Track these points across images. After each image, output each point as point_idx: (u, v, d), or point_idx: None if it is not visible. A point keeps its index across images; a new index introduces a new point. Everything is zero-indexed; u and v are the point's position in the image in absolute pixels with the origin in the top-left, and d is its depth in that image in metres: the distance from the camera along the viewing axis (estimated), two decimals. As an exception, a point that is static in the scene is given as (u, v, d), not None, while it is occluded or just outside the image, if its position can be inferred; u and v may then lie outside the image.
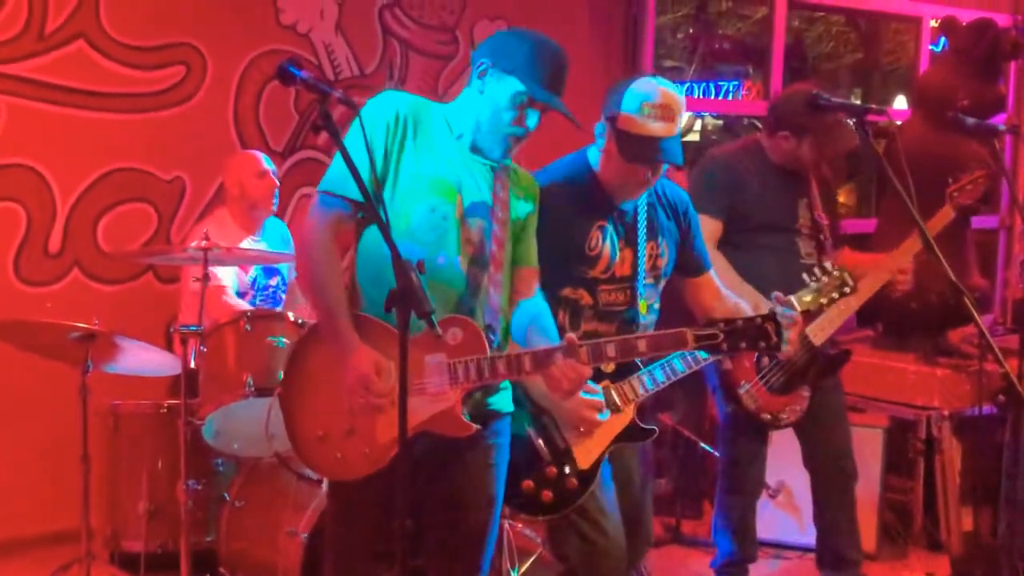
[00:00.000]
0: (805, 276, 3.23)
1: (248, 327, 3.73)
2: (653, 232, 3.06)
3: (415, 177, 2.54)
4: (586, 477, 2.92)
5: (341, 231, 2.55)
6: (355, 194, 2.36)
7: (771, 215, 3.81)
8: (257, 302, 4.41)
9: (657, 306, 3.15)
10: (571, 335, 2.46)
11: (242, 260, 4.15)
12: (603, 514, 2.99)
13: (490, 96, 2.56)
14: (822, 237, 3.85)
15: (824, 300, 3.21)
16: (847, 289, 3.21)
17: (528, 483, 2.91)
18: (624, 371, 2.97)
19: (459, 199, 2.56)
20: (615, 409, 2.93)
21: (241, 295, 4.37)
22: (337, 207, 2.52)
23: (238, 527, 3.87)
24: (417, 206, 2.52)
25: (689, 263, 3.20)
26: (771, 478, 4.49)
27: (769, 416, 3.80)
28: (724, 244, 3.73)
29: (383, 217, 2.35)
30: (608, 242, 2.97)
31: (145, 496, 3.93)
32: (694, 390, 5.06)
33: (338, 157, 2.50)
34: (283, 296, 4.55)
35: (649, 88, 2.85)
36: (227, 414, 3.78)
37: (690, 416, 5.22)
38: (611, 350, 2.47)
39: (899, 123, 5.75)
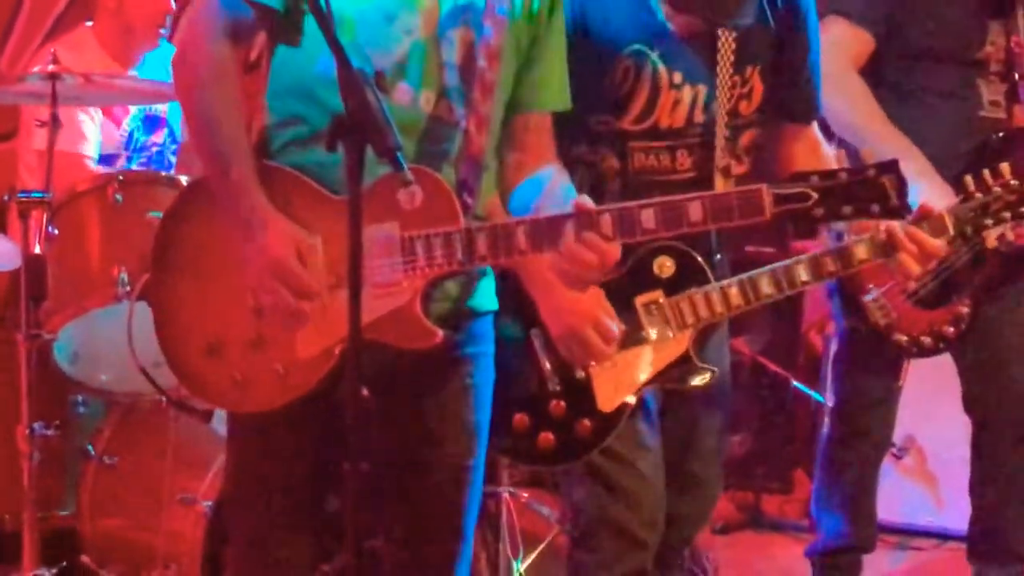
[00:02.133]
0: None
1: (119, 197, 3.71)
2: (745, 56, 2.97)
3: None
4: (605, 424, 2.95)
5: (240, 46, 2.52)
6: None
7: (945, 36, 3.71)
8: (134, 166, 4.39)
9: (742, 171, 3.06)
10: (584, 197, 2.44)
11: (111, 97, 4.10)
12: (640, 449, 3.03)
13: None
14: (1017, 76, 3.74)
15: (988, 221, 3.06)
16: None
17: (521, 417, 2.94)
18: (689, 277, 2.97)
19: (431, 3, 2.52)
20: (662, 335, 2.96)
21: (110, 160, 4.35)
22: (236, 10, 2.48)
23: (109, 495, 3.89)
24: (363, 8, 2.47)
25: (793, 100, 3.11)
26: (896, 433, 4.36)
27: (906, 338, 3.73)
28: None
29: (324, 5, 2.24)
30: (648, 78, 2.93)
31: (-31, 449, 3.90)
32: (782, 302, 5.04)
33: None
34: (172, 159, 4.54)
35: None
36: (91, 328, 3.77)
37: (777, 342, 5.21)
38: (648, 218, 2.44)
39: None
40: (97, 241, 3.73)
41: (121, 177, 3.74)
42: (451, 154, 2.56)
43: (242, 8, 2.46)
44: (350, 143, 2.14)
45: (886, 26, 3.66)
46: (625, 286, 2.91)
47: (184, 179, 3.78)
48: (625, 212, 2.43)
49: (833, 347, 4.08)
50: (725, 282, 2.95)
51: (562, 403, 2.93)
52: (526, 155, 2.68)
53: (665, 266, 2.95)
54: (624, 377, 2.95)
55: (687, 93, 2.95)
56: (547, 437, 2.93)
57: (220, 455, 3.66)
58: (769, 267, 2.96)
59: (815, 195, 2.42)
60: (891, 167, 2.44)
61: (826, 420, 4.13)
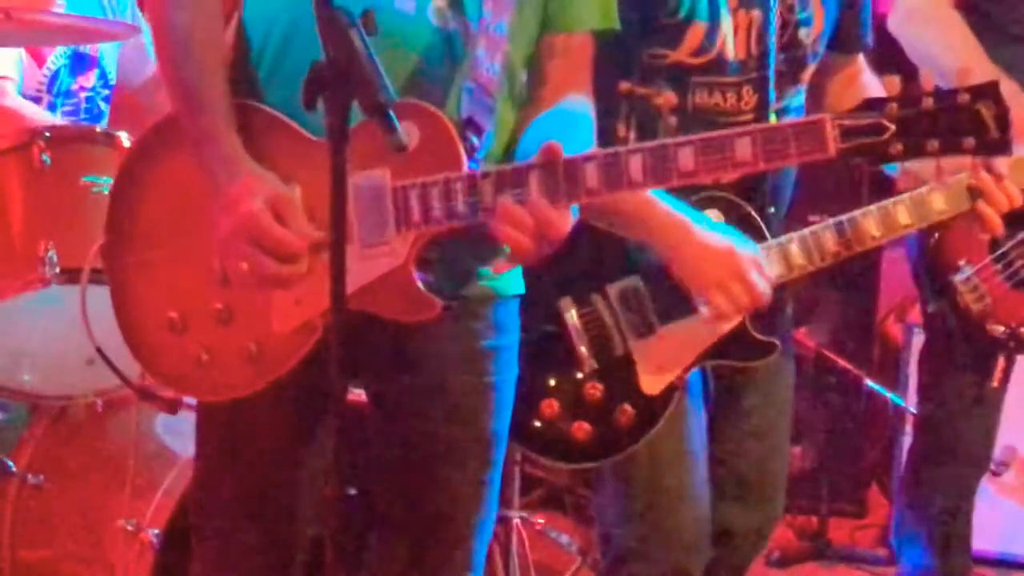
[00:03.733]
0: None
1: (47, 158, 3.69)
2: None
3: None
4: (650, 410, 2.99)
5: None
6: None
7: None
8: (58, 115, 4.38)
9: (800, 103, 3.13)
10: (553, 142, 2.41)
11: (34, 36, 4.08)
12: (682, 456, 3.08)
13: None
14: None
15: None
16: None
17: (550, 403, 2.99)
18: (740, 233, 2.99)
19: None
20: None
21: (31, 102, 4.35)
22: None
23: (34, 521, 3.88)
24: None
25: (843, 30, 3.21)
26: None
27: (1003, 329, 3.72)
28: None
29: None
30: (705, 4, 2.98)
31: None
32: (853, 283, 5.09)
33: None
34: (104, 107, 4.54)
35: None
36: (11, 317, 3.77)
37: (846, 332, 5.22)
38: (686, 158, 2.39)
39: None
40: (19, 211, 3.70)
41: (48, 134, 3.70)
42: (456, 83, 2.57)
43: None
44: (331, 97, 2.15)
45: None
46: None
47: (124, 136, 3.75)
48: (658, 151, 2.40)
49: (918, 339, 4.10)
50: (784, 238, 2.97)
51: (599, 386, 2.98)
52: (545, 89, 2.69)
53: (712, 221, 2.95)
54: (670, 354, 2.99)
55: (742, 19, 3.00)
56: (582, 427, 3.00)
57: (170, 472, 3.70)
58: (834, 219, 2.98)
59: (892, 127, 2.36)
60: (989, 90, 2.37)
61: (909, 429, 4.14)
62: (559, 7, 2.67)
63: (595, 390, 2.98)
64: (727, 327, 2.99)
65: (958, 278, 3.69)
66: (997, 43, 3.68)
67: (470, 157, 2.47)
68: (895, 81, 3.60)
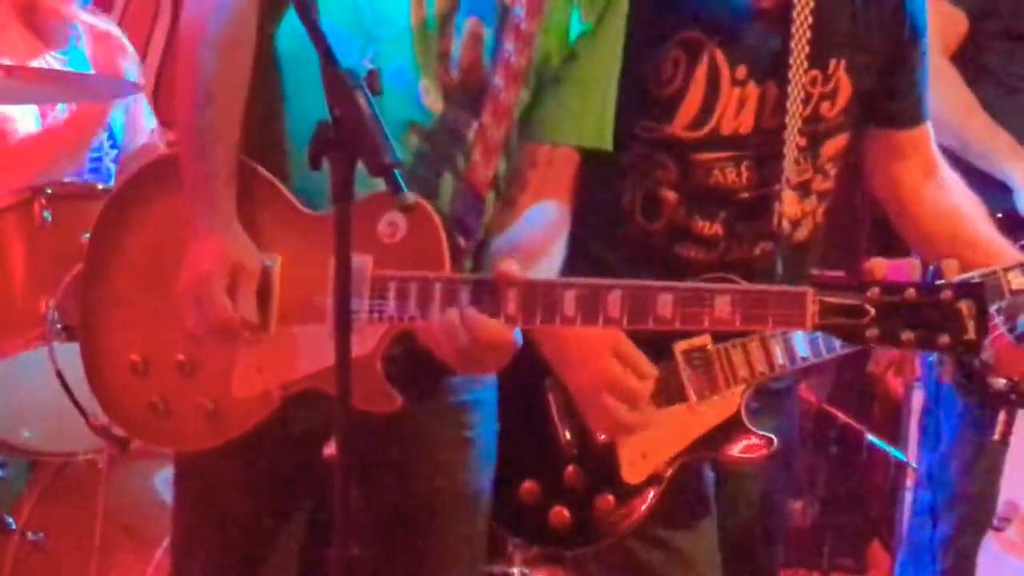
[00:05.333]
0: None
1: (48, 214, 3.75)
2: (827, 47, 2.95)
3: None
4: (631, 501, 2.93)
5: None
6: None
7: None
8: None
9: (827, 187, 3.05)
10: (506, 256, 2.44)
11: (36, 93, 4.10)
12: (691, 534, 3.03)
13: None
14: None
15: None
16: None
17: (530, 486, 2.93)
18: None
19: None
20: (706, 392, 2.93)
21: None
22: None
23: None
24: None
25: (895, 102, 3.12)
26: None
27: (1005, 382, 3.65)
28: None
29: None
30: (704, 73, 2.91)
31: None
32: None
33: None
34: (112, 167, 4.60)
35: None
36: (12, 374, 3.83)
37: (846, 386, 5.30)
38: (665, 304, 2.40)
39: None
40: (21, 269, 3.75)
41: (49, 190, 3.75)
42: (448, 179, 2.59)
43: None
44: (336, 158, 2.16)
45: (981, 1, 3.71)
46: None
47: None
48: (639, 292, 2.42)
49: (918, 393, 4.10)
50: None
51: (580, 471, 2.92)
52: (523, 196, 2.69)
53: None
54: (656, 442, 2.91)
55: (753, 91, 2.94)
56: (560, 513, 2.91)
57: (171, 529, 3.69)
58: None
59: (872, 311, 2.38)
60: (973, 290, 2.39)
61: (910, 484, 4.12)
62: (545, 117, 2.68)
63: (576, 475, 2.91)
64: (721, 417, 2.93)
65: (960, 334, 3.70)
66: (994, 94, 3.73)
67: (454, 258, 2.48)
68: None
